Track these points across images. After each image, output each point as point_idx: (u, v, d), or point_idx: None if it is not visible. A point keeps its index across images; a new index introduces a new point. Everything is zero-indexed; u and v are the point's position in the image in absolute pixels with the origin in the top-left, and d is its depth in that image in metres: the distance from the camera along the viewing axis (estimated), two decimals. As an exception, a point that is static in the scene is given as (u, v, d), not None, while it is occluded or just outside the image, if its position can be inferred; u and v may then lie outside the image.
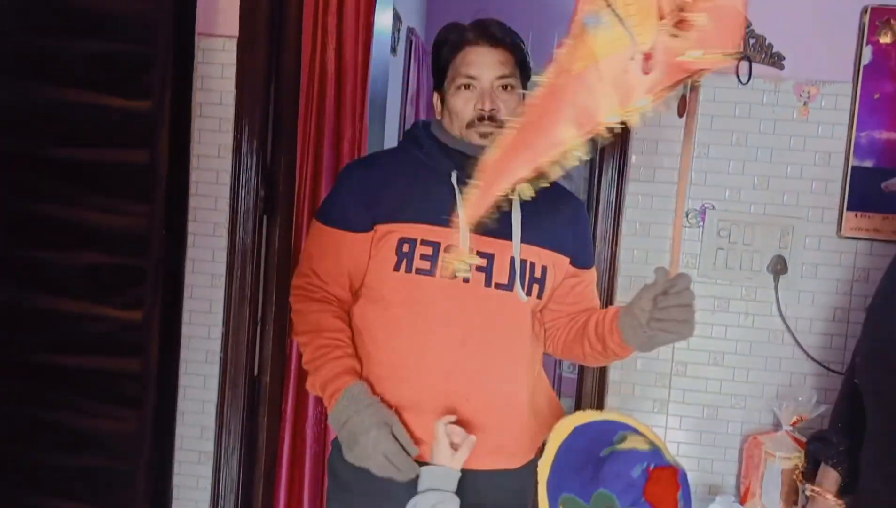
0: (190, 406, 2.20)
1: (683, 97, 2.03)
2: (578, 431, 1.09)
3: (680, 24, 1.04)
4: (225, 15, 2.07)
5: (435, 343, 1.37)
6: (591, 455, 1.03)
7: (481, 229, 1.34)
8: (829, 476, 1.58)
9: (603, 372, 2.11)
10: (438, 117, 1.49)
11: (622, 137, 2.09)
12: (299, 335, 1.45)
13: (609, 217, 2.11)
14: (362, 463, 1.32)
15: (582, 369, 2.17)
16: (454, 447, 1.29)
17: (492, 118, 1.38)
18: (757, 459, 1.95)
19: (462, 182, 1.37)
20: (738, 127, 2.03)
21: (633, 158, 2.08)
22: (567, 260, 1.48)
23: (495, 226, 1.35)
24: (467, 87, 1.40)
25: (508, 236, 1.38)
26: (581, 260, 1.51)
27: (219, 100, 2.10)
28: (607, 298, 2.10)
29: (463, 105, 1.40)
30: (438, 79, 1.47)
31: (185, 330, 2.17)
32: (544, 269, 1.43)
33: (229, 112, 2.09)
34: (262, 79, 2.09)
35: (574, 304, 1.51)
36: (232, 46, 2.08)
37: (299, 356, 2.33)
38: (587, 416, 1.10)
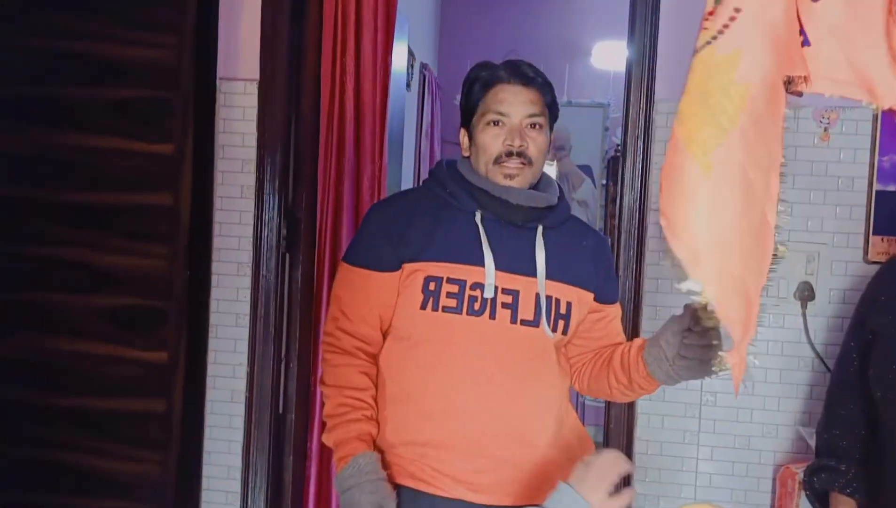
0: (216, 447, 2.19)
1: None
2: None
3: None
4: (245, 59, 2.11)
5: (462, 381, 1.36)
6: None
7: (505, 265, 1.38)
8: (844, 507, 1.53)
9: (632, 404, 2.09)
10: (465, 154, 1.49)
11: (643, 166, 2.09)
12: (324, 385, 1.45)
13: (631, 247, 2.10)
14: None
15: (608, 404, 2.14)
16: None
17: (521, 154, 1.39)
18: (790, 488, 1.91)
19: (486, 221, 1.40)
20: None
21: (653, 188, 2.07)
22: (591, 296, 1.48)
23: (519, 262, 1.39)
24: (497, 123, 1.40)
25: (532, 273, 1.39)
26: (604, 295, 1.50)
27: (241, 142, 2.12)
28: (632, 328, 2.08)
29: (491, 141, 1.40)
30: (467, 116, 1.47)
31: (210, 370, 2.17)
32: (569, 305, 1.43)
33: (251, 154, 2.12)
34: (282, 120, 2.12)
35: (599, 339, 1.50)
36: (253, 89, 2.11)
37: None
38: None
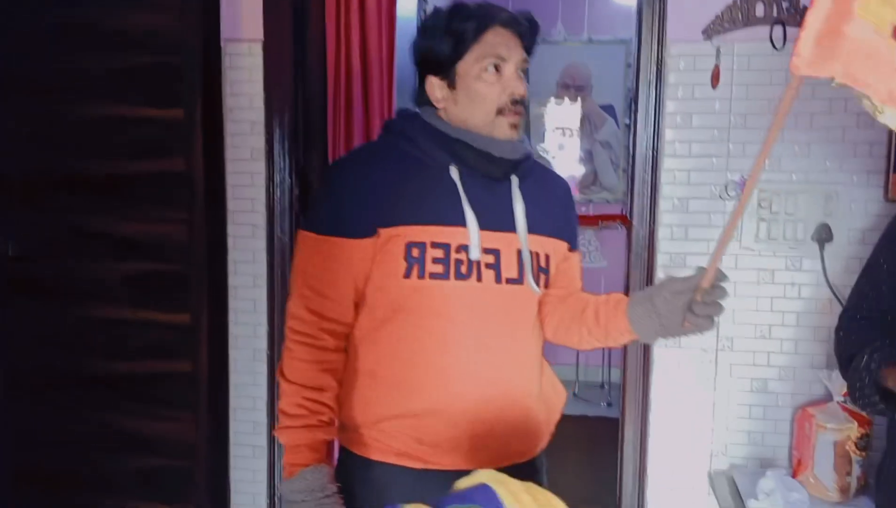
0: (242, 403, 2.26)
1: (716, 67, 1.99)
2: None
3: None
4: (248, 19, 2.09)
5: (454, 348, 1.30)
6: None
7: (485, 223, 1.29)
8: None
9: (648, 350, 2.10)
10: (441, 105, 1.34)
11: (655, 111, 2.04)
12: (282, 378, 1.34)
13: (645, 195, 2.08)
14: None
15: (625, 350, 2.16)
16: None
17: (522, 102, 1.31)
18: (808, 431, 1.91)
19: (464, 176, 1.30)
20: (774, 95, 1.96)
21: (667, 134, 2.03)
22: (566, 245, 1.44)
23: (498, 219, 1.31)
24: (497, 68, 1.29)
25: (511, 228, 1.33)
26: (574, 243, 1.48)
27: (248, 103, 2.12)
28: (647, 276, 2.07)
29: (490, 89, 1.29)
30: (447, 60, 1.30)
31: (231, 330, 2.22)
32: (548, 257, 1.39)
33: (259, 115, 2.12)
34: (289, 80, 2.11)
35: (564, 287, 1.46)
36: (258, 50, 2.10)
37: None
38: (488, 480, 0.78)
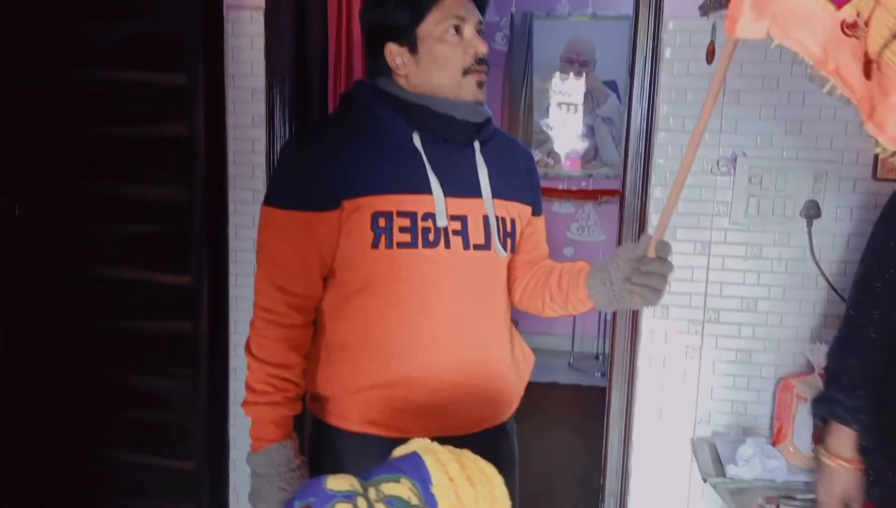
0: (241, 363, 2.29)
1: (712, 43, 2.01)
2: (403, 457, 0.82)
3: None
4: (251, -13, 2.10)
5: (425, 316, 1.31)
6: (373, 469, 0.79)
7: (450, 190, 1.30)
8: (843, 439, 1.49)
9: (636, 320, 2.14)
10: (403, 72, 1.33)
11: (650, 87, 2.06)
12: (248, 354, 1.35)
13: (638, 168, 2.10)
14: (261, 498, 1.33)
15: (615, 315, 2.20)
16: None
17: (485, 62, 1.32)
18: (789, 401, 1.96)
19: (426, 143, 1.30)
20: (768, 71, 1.98)
21: (661, 108, 2.05)
22: (530, 209, 1.45)
23: (463, 184, 1.31)
24: (458, 29, 1.29)
25: (477, 193, 1.33)
26: (538, 208, 1.49)
27: (250, 71, 2.14)
28: (638, 248, 2.10)
29: (453, 50, 1.29)
30: (406, 26, 1.30)
31: (231, 292, 2.27)
32: (513, 222, 1.40)
33: (261, 82, 2.14)
34: (289, 48, 2.13)
35: (530, 253, 1.48)
36: (259, 18, 2.11)
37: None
38: (422, 447, 0.81)
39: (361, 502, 0.71)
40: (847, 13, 0.96)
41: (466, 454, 0.79)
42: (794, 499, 1.86)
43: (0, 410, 2.32)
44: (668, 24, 2.02)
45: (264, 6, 2.09)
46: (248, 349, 1.35)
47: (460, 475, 0.75)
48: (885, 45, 0.94)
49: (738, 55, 1.96)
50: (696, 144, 1.08)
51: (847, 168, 1.97)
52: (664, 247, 1.20)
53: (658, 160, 2.06)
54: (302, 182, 1.28)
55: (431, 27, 1.29)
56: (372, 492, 0.72)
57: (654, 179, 2.07)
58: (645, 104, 2.07)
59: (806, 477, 1.87)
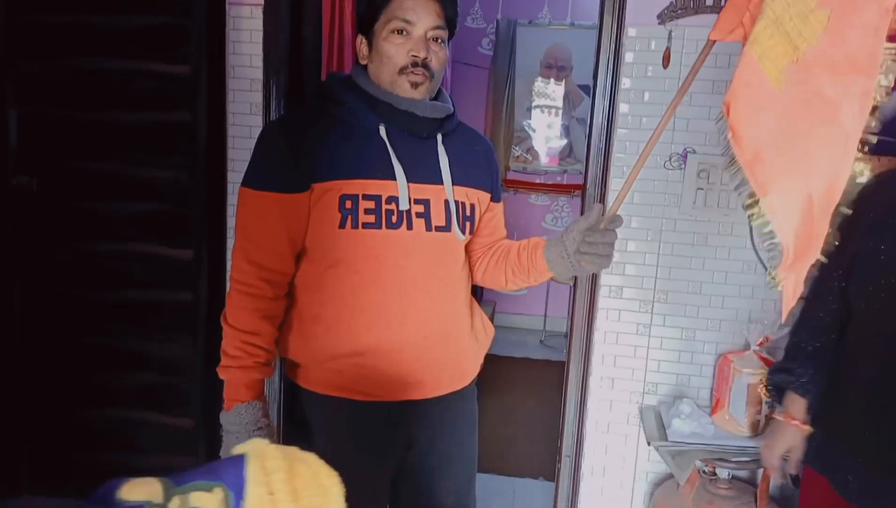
0: (235, 332, 2.47)
1: (668, 49, 2.20)
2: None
3: None
4: (251, -15, 2.26)
5: (392, 291, 1.40)
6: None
7: (414, 176, 1.39)
8: (797, 404, 1.68)
9: (593, 299, 2.32)
10: (363, 62, 1.44)
11: (612, 88, 2.24)
12: (224, 322, 1.41)
13: (599, 162, 2.28)
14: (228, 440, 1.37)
15: (574, 299, 2.38)
16: None
17: (425, 66, 1.37)
18: (727, 374, 2.14)
19: (390, 134, 1.39)
20: (717, 76, 2.17)
21: (621, 107, 2.24)
22: (488, 196, 1.54)
23: (426, 172, 1.41)
24: (401, 32, 1.36)
25: (439, 181, 1.42)
26: (496, 195, 1.58)
27: (249, 63, 2.31)
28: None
29: (395, 49, 1.36)
30: (367, 22, 1.40)
31: (229, 265, 2.41)
32: (472, 207, 1.49)
33: (258, 73, 2.30)
34: (286, 43, 2.29)
35: (490, 236, 1.59)
36: (258, 14, 2.27)
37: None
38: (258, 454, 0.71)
39: None
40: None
41: (307, 460, 0.71)
42: (729, 461, 2.06)
43: (12, 364, 2.47)
44: (630, 31, 2.20)
45: (263, 3, 2.26)
46: (224, 317, 1.41)
47: (285, 487, 0.67)
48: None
49: (691, 60, 2.18)
50: (658, 134, 1.27)
51: (784, 166, 2.17)
52: (615, 220, 1.35)
53: (617, 155, 2.25)
54: (275, 166, 1.36)
55: (381, 25, 1.38)
56: (175, 501, 0.65)
57: (613, 172, 2.25)
58: (607, 104, 2.25)
59: (739, 443, 2.07)
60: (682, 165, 2.22)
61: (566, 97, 4.63)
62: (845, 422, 1.60)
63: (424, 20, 1.37)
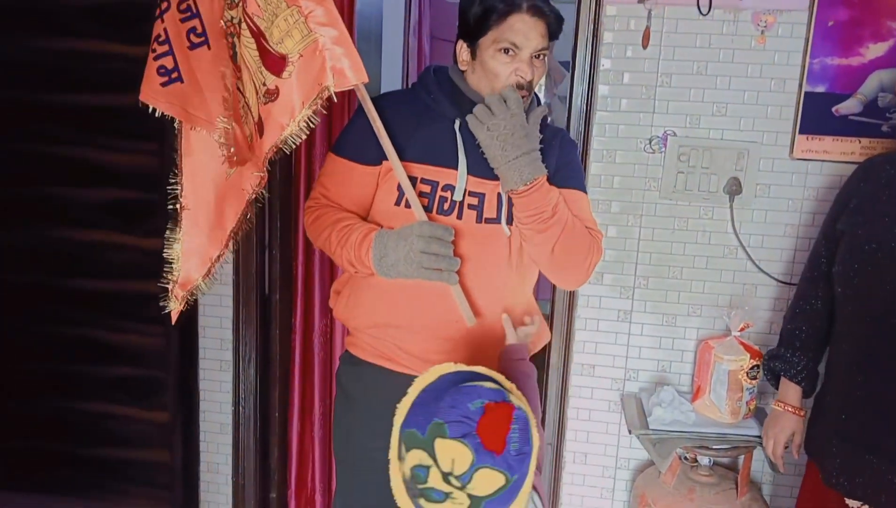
0: (210, 322, 2.33)
1: (647, 28, 2.03)
2: (442, 378, 1.04)
3: None
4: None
5: None
6: (441, 392, 0.99)
7: (476, 170, 1.43)
8: (791, 391, 1.69)
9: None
10: (463, 68, 1.48)
11: (591, 68, 2.07)
12: (319, 238, 1.49)
13: (579, 142, 2.12)
14: (403, 269, 1.38)
15: (554, 286, 2.23)
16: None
17: (528, 88, 1.41)
18: (708, 360, 2.02)
19: (464, 128, 1.42)
20: (698, 57, 2.01)
21: (600, 89, 2.07)
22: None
23: (487, 167, 1.42)
24: (507, 52, 1.39)
25: (497, 177, 1.43)
26: (576, 185, 1.52)
27: (215, 45, 2.11)
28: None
29: (502, 68, 1.40)
30: (473, 31, 1.42)
31: (200, 256, 2.26)
32: None
33: (226, 57, 2.11)
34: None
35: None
36: None
37: (304, 276, 2.44)
38: (453, 367, 1.04)
39: None
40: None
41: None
42: (710, 448, 1.95)
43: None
44: (608, 9, 2.03)
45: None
46: (315, 241, 1.52)
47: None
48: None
49: (671, 40, 2.00)
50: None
51: (766, 148, 2.02)
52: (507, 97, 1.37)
53: (597, 138, 2.10)
54: (357, 137, 1.47)
55: (489, 43, 1.40)
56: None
57: (592, 155, 2.10)
58: (585, 86, 2.09)
59: (720, 430, 1.95)
60: (663, 149, 2.07)
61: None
62: (829, 404, 1.60)
63: (532, 42, 1.39)
